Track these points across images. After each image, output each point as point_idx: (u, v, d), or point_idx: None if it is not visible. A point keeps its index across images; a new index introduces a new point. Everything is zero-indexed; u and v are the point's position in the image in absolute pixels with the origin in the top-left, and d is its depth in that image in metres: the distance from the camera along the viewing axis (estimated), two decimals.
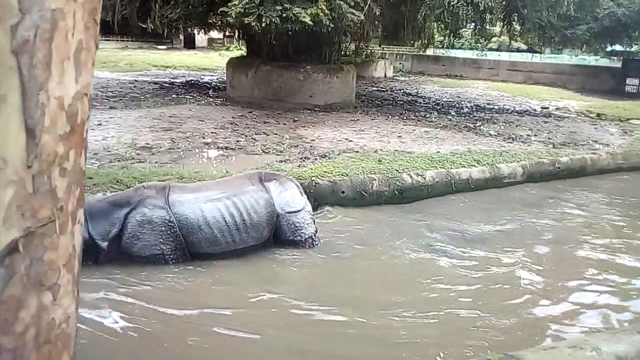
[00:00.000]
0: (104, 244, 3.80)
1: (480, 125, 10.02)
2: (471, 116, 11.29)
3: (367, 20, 10.02)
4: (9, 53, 1.13)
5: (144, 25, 14.84)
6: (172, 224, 3.89)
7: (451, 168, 6.37)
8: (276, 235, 4.30)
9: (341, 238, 4.73)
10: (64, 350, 1.35)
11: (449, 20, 11.24)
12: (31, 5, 1.13)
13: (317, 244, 4.41)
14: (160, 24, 12.53)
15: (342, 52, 13.78)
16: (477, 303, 3.67)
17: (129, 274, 3.71)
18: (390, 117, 10.25)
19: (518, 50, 25.53)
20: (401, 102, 12.86)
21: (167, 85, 14.13)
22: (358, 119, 9.71)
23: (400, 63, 24.03)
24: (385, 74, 19.97)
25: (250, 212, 4.11)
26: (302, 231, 4.31)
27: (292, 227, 4.28)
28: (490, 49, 25.96)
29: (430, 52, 22.69)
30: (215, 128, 8.17)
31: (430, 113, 11.31)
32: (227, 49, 34.29)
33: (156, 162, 5.89)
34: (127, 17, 14.63)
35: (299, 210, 4.33)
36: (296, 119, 9.35)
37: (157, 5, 11.81)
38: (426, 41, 14.56)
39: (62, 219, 1.26)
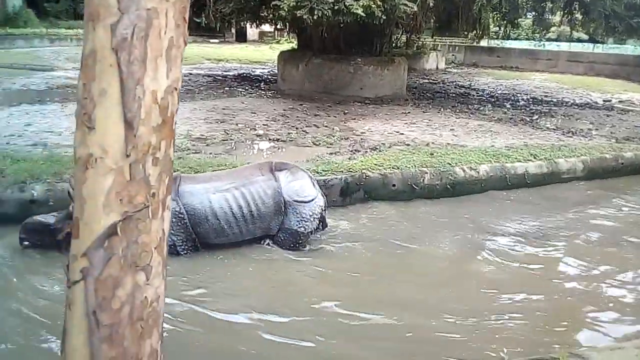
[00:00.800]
0: None
1: (537, 119, 9.66)
2: (528, 109, 10.90)
3: (421, 12, 9.84)
4: (110, 50, 1.22)
5: (197, 20, 15.21)
6: (182, 215, 3.92)
7: (506, 162, 6.20)
8: (281, 224, 4.19)
9: (389, 232, 4.71)
10: (154, 328, 1.44)
11: (507, 10, 10.85)
12: (129, 5, 1.21)
13: (309, 242, 4.27)
14: (214, 18, 12.77)
15: (393, 44, 13.60)
16: (533, 301, 3.57)
17: (187, 270, 3.82)
18: (442, 109, 10.05)
19: (579, 40, 24.35)
20: (453, 95, 12.57)
21: (220, 78, 14.42)
22: (409, 112, 9.57)
23: (453, 55, 23.45)
24: (437, 66, 19.56)
25: (258, 202, 4.08)
26: (306, 223, 4.19)
27: (299, 216, 4.17)
28: (549, 39, 24.87)
29: (484, 43, 21.93)
30: (267, 120, 8.27)
31: (484, 106, 11.01)
32: (278, 42, 34.54)
33: (210, 153, 6.03)
34: None
35: (308, 201, 4.22)
36: (346, 111, 9.33)
37: (211, 0, 12.04)
38: (481, 32, 14.09)
39: (154, 205, 1.36)
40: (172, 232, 3.89)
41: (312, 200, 4.24)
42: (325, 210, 4.39)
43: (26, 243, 3.88)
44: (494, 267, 4.11)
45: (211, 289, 3.61)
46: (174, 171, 4.68)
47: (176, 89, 1.35)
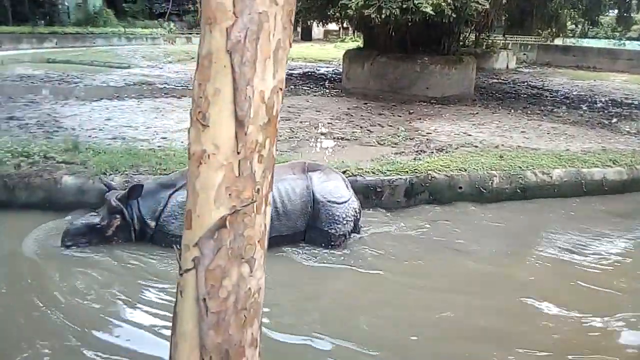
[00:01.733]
0: (152, 223, 4.03)
1: (616, 122, 9.10)
2: (606, 112, 10.29)
3: (492, 9, 9.53)
4: (224, 52, 1.29)
5: None
6: None
7: (582, 167, 5.88)
8: (311, 224, 4.14)
9: (450, 236, 4.59)
10: (255, 318, 1.51)
11: (587, 7, 10.27)
12: (243, 8, 1.28)
13: (347, 242, 4.18)
14: None
15: (462, 43, 13.27)
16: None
17: None
18: (512, 111, 9.69)
19: None
20: (525, 96, 12.08)
21: (286, 76, 14.63)
22: (477, 112, 9.30)
23: (524, 54, 22.56)
24: (507, 65, 18.87)
25: (285, 200, 4.05)
26: (338, 225, 4.12)
27: (330, 218, 4.11)
28: (630, 38, 23.39)
29: (558, 41, 20.97)
30: (332, 119, 8.31)
31: (558, 107, 10.50)
32: (343, 41, 34.69)
33: (276, 150, 6.11)
34: None
35: (341, 203, 4.15)
36: (412, 111, 9.20)
37: None
38: (557, 30, 13.47)
39: (258, 200, 1.44)
40: None
41: (346, 202, 4.19)
42: (359, 213, 4.31)
43: (75, 248, 3.95)
44: (579, 273, 3.92)
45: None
46: None
47: (281, 89, 1.42)
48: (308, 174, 4.20)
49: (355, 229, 4.33)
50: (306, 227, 4.15)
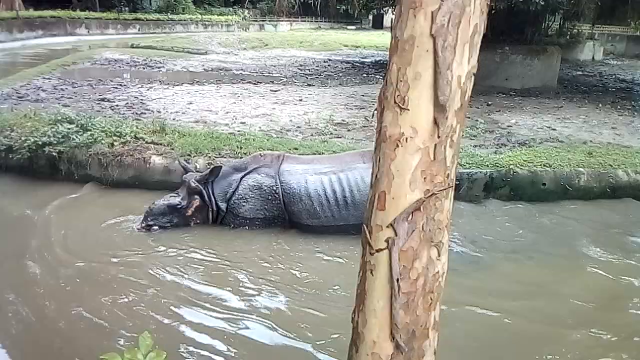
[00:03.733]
0: (223, 205, 4.12)
1: None
2: None
3: None
4: (428, 36, 1.31)
5: (339, 7, 15.51)
6: (277, 194, 4.02)
7: None
8: None
9: (536, 238, 4.40)
10: (437, 301, 1.55)
11: None
12: None
13: None
14: (358, 5, 12.93)
15: (545, 32, 12.61)
16: None
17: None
18: (600, 105, 9.11)
19: None
20: (613, 89, 11.32)
21: (358, 64, 14.58)
22: (562, 106, 8.83)
23: (612, 45, 21.12)
24: (593, 57, 17.76)
25: (354, 189, 4.01)
26: None
27: None
28: None
29: None
30: None
31: None
32: None
33: (352, 139, 6.14)
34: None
35: None
36: (490, 102, 8.89)
37: None
38: None
39: (445, 185, 1.45)
40: (266, 207, 4.07)
41: None
42: None
43: (155, 228, 4.08)
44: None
45: None
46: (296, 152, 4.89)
47: (474, 74, 1.41)
48: None
49: None
50: None
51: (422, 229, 1.42)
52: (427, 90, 1.33)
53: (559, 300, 3.34)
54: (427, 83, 1.32)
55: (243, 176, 4.13)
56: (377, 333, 1.49)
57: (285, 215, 4.09)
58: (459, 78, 1.35)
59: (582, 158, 5.48)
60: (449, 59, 1.31)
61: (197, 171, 4.48)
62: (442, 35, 1.29)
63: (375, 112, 1.47)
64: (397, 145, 1.38)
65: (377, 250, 1.46)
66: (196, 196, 4.12)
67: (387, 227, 1.43)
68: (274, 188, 4.04)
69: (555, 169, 5.22)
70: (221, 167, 4.19)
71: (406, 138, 1.37)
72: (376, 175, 1.47)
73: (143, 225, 4.06)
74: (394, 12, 1.47)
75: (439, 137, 1.36)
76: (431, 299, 1.49)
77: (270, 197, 4.05)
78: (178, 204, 4.10)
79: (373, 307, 1.48)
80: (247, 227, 4.14)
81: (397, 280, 1.41)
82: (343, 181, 4.04)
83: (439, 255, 1.47)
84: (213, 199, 4.14)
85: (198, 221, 4.17)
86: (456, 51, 1.32)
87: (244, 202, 4.09)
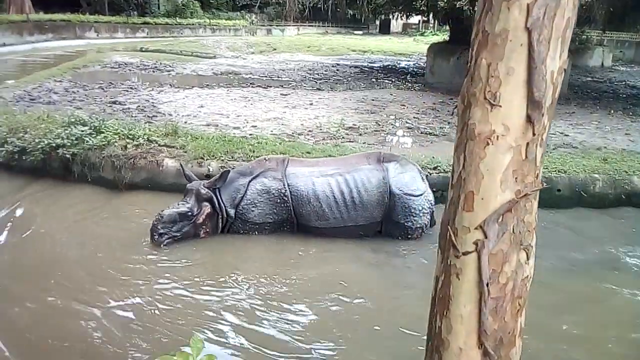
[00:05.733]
0: (232, 212, 4.01)
1: None
2: None
3: (597, 2, 8.92)
4: (522, 30, 1.26)
5: (350, 11, 15.52)
6: (286, 197, 3.97)
7: None
8: (387, 216, 4.02)
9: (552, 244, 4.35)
10: (523, 307, 1.47)
11: None
12: None
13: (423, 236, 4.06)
14: (367, 9, 12.93)
15: None
16: None
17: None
18: (612, 111, 9.05)
19: None
20: (624, 96, 11.26)
21: (367, 69, 14.58)
22: (574, 112, 8.79)
23: (621, 51, 21.03)
24: (602, 63, 17.69)
25: (361, 190, 3.97)
26: (415, 218, 4.00)
27: (407, 210, 3.98)
28: None
29: None
30: (417, 113, 8.17)
31: None
32: (422, 35, 34.03)
33: (364, 143, 6.12)
34: (336, 4, 15.43)
35: (418, 196, 4.01)
36: None
37: None
38: None
39: (537, 185, 1.39)
40: (275, 211, 4.00)
41: (422, 194, 4.06)
42: (433, 206, 4.19)
43: (166, 239, 3.84)
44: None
45: None
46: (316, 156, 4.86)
47: (565, 70, 1.37)
48: (384, 164, 4.11)
49: (431, 221, 4.22)
50: (382, 219, 4.07)
51: (513, 231, 1.37)
52: (521, 86, 1.28)
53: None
54: (521, 78, 1.28)
55: (250, 181, 4.05)
56: (463, 340, 1.42)
57: (294, 218, 4.05)
58: (552, 73, 1.30)
59: (597, 164, 5.43)
60: (544, 53, 1.26)
61: (207, 176, 4.43)
62: (538, 29, 1.25)
63: (456, 109, 1.42)
64: (488, 144, 1.33)
65: (464, 253, 1.39)
66: (207, 203, 3.99)
67: (476, 228, 1.37)
68: (282, 191, 3.99)
69: (570, 175, 5.18)
70: (229, 170, 4.10)
71: (497, 136, 1.31)
72: (460, 175, 1.40)
73: (155, 237, 3.82)
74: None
75: (533, 134, 1.30)
76: (519, 305, 1.43)
77: (279, 201, 4.00)
78: (189, 211, 3.93)
79: (459, 313, 1.41)
80: (256, 233, 4.07)
81: (487, 284, 1.35)
82: (350, 182, 4.00)
83: (527, 258, 1.41)
84: (223, 205, 4.04)
85: (208, 230, 4.02)
86: (550, 45, 1.27)
87: (253, 207, 4.02)
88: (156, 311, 2.99)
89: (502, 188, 1.34)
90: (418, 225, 4.06)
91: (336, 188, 3.98)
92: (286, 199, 3.99)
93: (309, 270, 3.58)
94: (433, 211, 4.17)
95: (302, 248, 3.90)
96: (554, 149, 6.13)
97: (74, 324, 2.86)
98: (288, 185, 4.00)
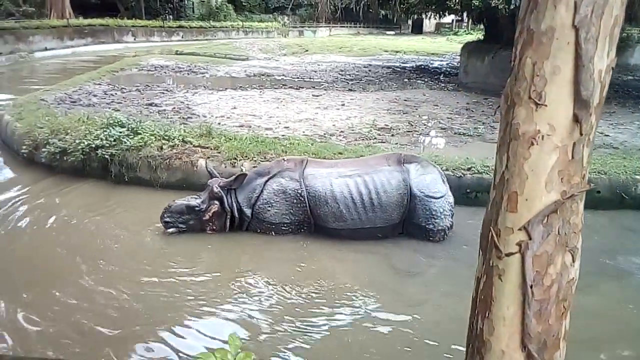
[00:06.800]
0: (248, 211, 4.04)
1: None
2: None
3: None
4: (570, 28, 1.25)
5: (383, 12, 15.45)
6: (302, 197, 3.95)
7: None
8: (408, 218, 3.98)
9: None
10: (568, 310, 1.45)
11: None
12: None
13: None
14: (399, 9, 12.84)
15: None
16: None
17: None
18: None
19: None
20: None
21: (399, 69, 14.48)
22: (614, 111, 8.51)
23: None
24: None
25: (380, 191, 3.93)
26: (436, 220, 3.94)
27: (428, 212, 3.94)
28: None
29: None
30: (450, 113, 8.06)
31: None
32: (456, 34, 33.58)
33: (396, 143, 6.08)
34: (368, 4, 15.39)
35: (439, 198, 3.95)
36: None
37: None
38: None
39: (583, 186, 1.36)
40: (292, 211, 4.01)
41: (442, 196, 4.00)
42: (454, 208, 4.11)
43: (171, 227, 4.07)
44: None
45: None
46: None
47: (613, 68, 1.34)
48: (404, 165, 4.07)
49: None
50: (404, 221, 4.04)
51: (558, 232, 1.34)
52: (567, 85, 1.26)
53: None
54: (567, 77, 1.26)
55: (267, 181, 4.08)
56: (506, 342, 1.41)
57: (311, 219, 4.05)
58: (600, 72, 1.27)
59: (639, 165, 5.25)
60: (591, 51, 1.24)
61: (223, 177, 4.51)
62: (585, 27, 1.23)
63: (498, 109, 1.40)
64: (532, 144, 1.31)
65: (507, 254, 1.38)
66: (216, 202, 4.07)
67: (519, 229, 1.35)
68: (299, 191, 4.00)
69: (610, 177, 5.02)
70: (246, 175, 4.15)
71: (542, 136, 1.29)
72: (503, 175, 1.39)
73: (162, 224, 4.06)
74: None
75: (581, 134, 1.28)
76: (564, 307, 1.41)
77: (295, 201, 4.01)
78: (197, 206, 4.05)
79: (502, 315, 1.40)
80: (272, 233, 4.10)
81: (531, 286, 1.33)
82: (369, 183, 3.98)
83: (573, 261, 1.38)
84: (235, 206, 4.09)
85: (215, 227, 4.10)
86: (598, 44, 1.24)
87: (269, 206, 4.05)
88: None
89: (547, 189, 1.32)
90: (440, 228, 4.02)
91: (354, 189, 3.97)
92: (302, 199, 4.00)
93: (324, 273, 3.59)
94: (452, 213, 4.12)
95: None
96: (593, 149, 5.93)
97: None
98: (305, 186, 4.01)
